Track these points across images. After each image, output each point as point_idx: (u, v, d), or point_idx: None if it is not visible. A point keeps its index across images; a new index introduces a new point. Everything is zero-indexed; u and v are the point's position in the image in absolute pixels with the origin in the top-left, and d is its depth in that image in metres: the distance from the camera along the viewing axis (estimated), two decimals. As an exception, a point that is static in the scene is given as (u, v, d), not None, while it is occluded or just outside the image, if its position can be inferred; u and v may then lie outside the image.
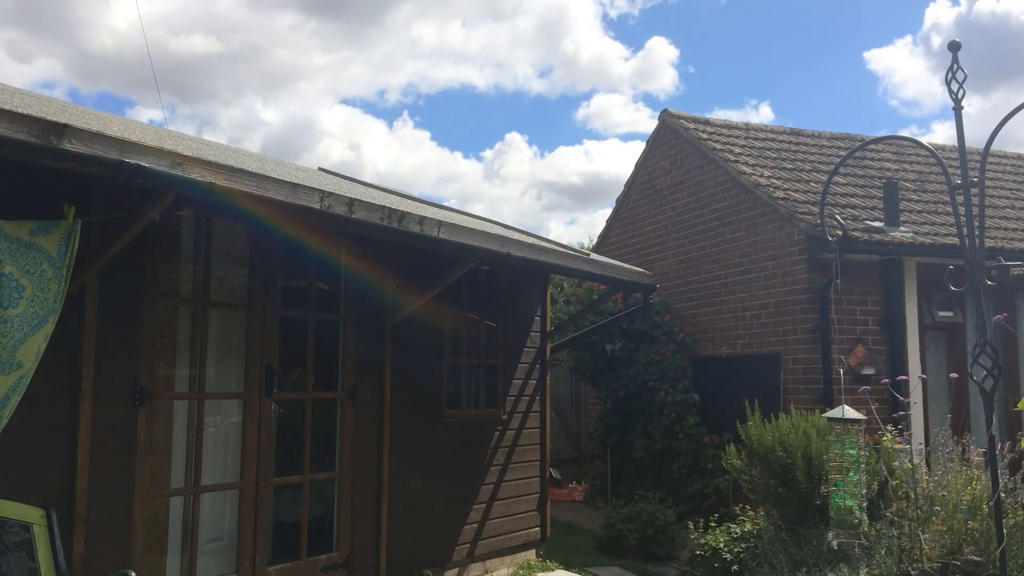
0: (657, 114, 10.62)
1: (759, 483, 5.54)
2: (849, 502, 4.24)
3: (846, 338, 7.66)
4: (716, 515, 6.60)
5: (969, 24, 48.13)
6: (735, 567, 5.63)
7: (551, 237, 7.60)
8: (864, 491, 4.32)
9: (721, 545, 5.84)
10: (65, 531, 3.71)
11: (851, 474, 4.26)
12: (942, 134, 52.75)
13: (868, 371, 7.52)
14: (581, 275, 7.18)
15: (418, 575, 5.68)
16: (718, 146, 9.25)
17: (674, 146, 9.93)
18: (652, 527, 7.37)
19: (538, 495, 6.89)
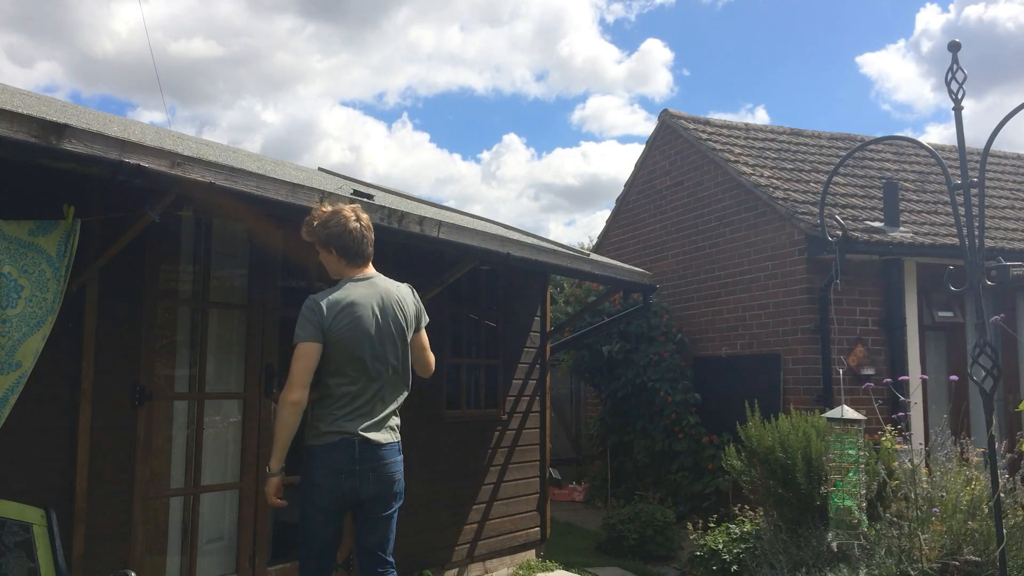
0: (652, 116, 10.69)
1: (759, 484, 5.54)
2: (848, 502, 4.24)
3: (846, 338, 7.66)
4: (716, 515, 6.59)
5: (958, 30, 48.35)
6: (735, 567, 5.62)
7: (551, 238, 7.60)
8: (863, 491, 4.32)
9: (720, 546, 5.83)
10: (65, 531, 3.70)
11: (850, 474, 4.27)
12: (936, 136, 52.82)
13: (868, 371, 7.52)
14: (581, 275, 7.18)
15: (418, 575, 5.67)
16: (718, 146, 9.24)
17: (674, 146, 9.92)
18: (652, 527, 7.37)
19: (538, 495, 6.88)
